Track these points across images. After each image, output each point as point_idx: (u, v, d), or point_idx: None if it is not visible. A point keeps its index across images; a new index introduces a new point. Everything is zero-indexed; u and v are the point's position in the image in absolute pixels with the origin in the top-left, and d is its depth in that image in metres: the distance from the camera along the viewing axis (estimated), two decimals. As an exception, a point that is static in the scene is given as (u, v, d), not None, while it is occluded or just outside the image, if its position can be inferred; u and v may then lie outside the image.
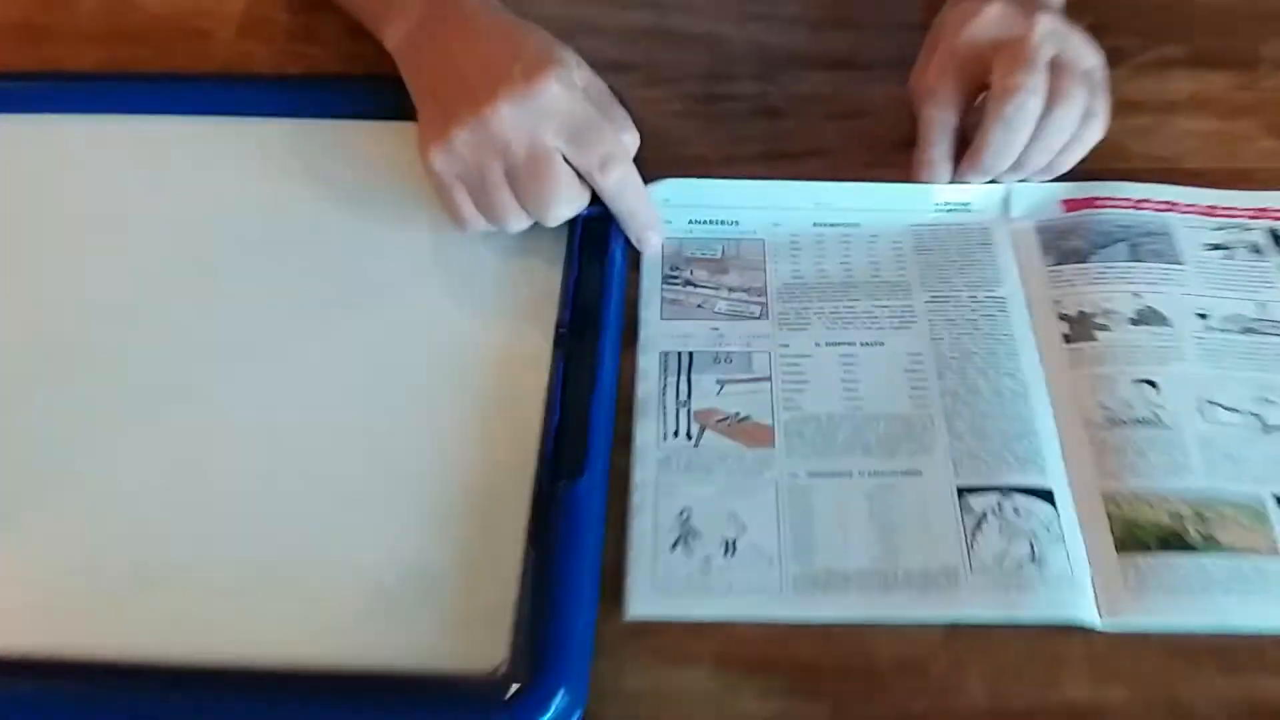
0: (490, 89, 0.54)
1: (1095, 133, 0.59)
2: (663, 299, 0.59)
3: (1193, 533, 0.48)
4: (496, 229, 0.57)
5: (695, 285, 0.60)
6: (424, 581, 0.48)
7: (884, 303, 0.58)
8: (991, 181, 0.62)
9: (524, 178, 0.55)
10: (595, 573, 0.48)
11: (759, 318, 0.58)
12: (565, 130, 0.55)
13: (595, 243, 0.60)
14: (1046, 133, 0.58)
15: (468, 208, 0.57)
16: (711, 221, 0.62)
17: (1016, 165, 0.60)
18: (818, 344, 0.57)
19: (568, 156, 0.55)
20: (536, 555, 0.48)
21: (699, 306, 0.59)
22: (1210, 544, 0.48)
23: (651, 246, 0.60)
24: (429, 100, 0.58)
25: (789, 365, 0.56)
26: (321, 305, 0.58)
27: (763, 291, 0.59)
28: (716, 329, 0.58)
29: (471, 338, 0.57)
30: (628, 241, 0.61)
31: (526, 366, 0.55)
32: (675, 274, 0.60)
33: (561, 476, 0.50)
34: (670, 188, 0.62)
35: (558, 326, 0.56)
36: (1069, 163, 0.60)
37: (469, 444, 0.53)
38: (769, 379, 0.55)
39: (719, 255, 0.61)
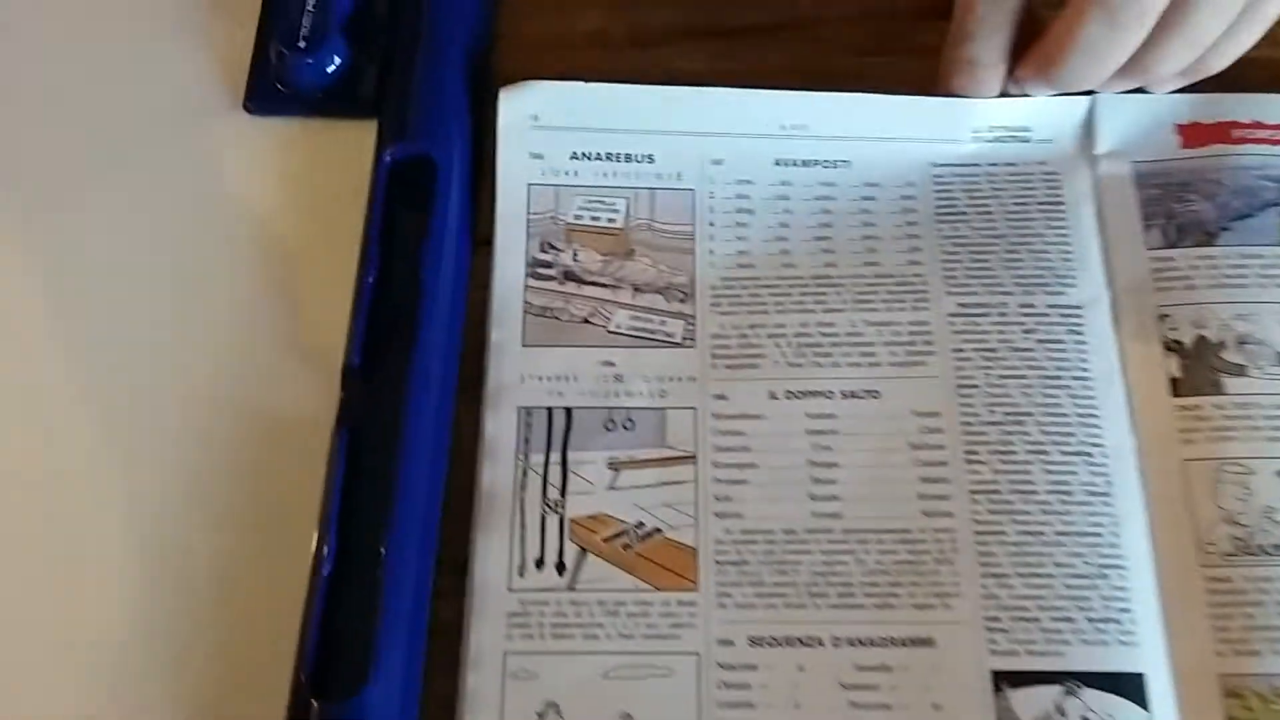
0: None
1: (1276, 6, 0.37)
2: (526, 309, 0.39)
3: (1369, 759, 0.32)
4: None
5: (580, 280, 0.40)
6: None
7: (883, 316, 0.38)
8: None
9: None
10: None
11: (682, 343, 0.38)
12: None
13: (410, 203, 0.39)
14: (1194, 17, 0.36)
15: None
16: (610, 156, 0.41)
17: (1130, 69, 0.38)
18: (774, 395, 0.37)
19: None
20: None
21: (586, 321, 0.39)
22: (1397, 781, 0.32)
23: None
24: None
25: (726, 434, 0.37)
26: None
27: (688, 292, 0.39)
28: (612, 365, 0.38)
29: (175, 388, 0.38)
30: (473, 195, 0.40)
31: (284, 455, 0.36)
32: (548, 259, 0.40)
33: (329, 689, 0.32)
34: (539, 95, 0.41)
35: (344, 370, 0.37)
36: (1223, 61, 0.38)
37: (172, 627, 0.35)
38: (693, 458, 0.37)
39: (619, 221, 0.40)
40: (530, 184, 0.40)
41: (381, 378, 0.36)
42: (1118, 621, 0.34)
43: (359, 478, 0.35)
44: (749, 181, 0.41)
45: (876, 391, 0.37)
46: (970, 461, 0.36)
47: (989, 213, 0.40)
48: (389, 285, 0.38)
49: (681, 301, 0.39)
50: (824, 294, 0.39)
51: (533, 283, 0.39)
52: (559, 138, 0.41)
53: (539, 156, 0.41)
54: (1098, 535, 0.35)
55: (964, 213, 0.40)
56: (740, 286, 0.39)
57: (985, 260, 0.39)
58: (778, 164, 0.41)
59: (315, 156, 0.41)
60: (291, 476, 0.36)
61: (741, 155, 0.41)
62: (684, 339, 0.38)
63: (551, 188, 0.40)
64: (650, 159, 0.41)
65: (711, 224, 0.40)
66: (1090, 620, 0.33)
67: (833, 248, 0.39)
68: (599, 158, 0.41)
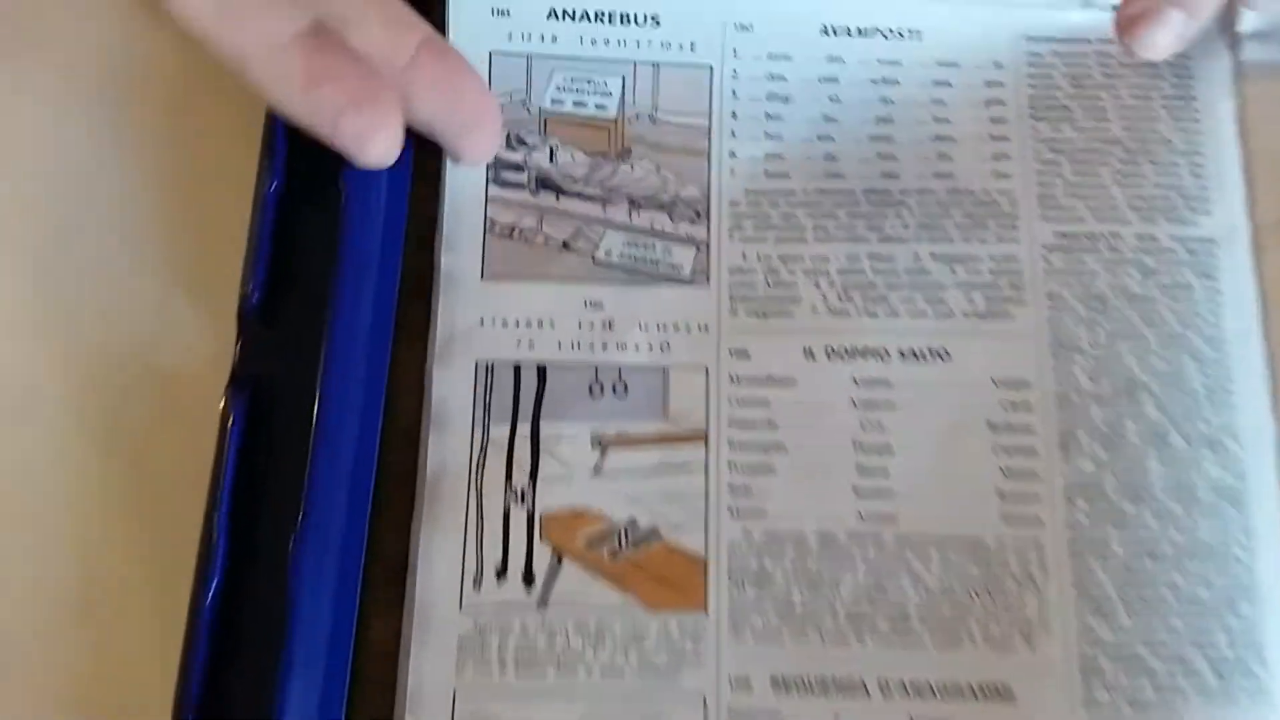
0: None
1: None
2: (487, 228, 0.30)
3: None
4: None
5: (559, 189, 0.30)
6: None
7: (957, 248, 0.30)
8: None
9: None
10: None
11: (691, 279, 0.30)
12: None
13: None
14: None
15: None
16: (600, 16, 0.32)
17: None
18: (810, 352, 0.29)
19: None
20: None
21: (565, 246, 0.30)
22: None
23: (478, 153, 0.29)
24: None
25: (748, 404, 0.29)
26: None
27: (702, 209, 0.30)
28: (600, 307, 0.29)
29: (29, 333, 0.29)
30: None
31: (167, 422, 0.28)
32: (516, 159, 0.31)
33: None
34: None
35: (240, 311, 0.28)
36: None
37: (22, 644, 0.27)
38: (704, 436, 0.29)
39: (612, 109, 0.31)
40: (492, 52, 0.31)
41: (290, 321, 0.28)
42: (1247, 666, 0.26)
43: (261, 455, 0.27)
44: (785, 57, 0.31)
45: (946, 351, 0.29)
46: (1066, 449, 0.28)
47: (1099, 108, 0.31)
48: (300, 195, 0.29)
49: (692, 222, 0.30)
50: (880, 215, 0.30)
51: (496, 191, 0.30)
52: (531, -9, 0.31)
53: (504, 14, 0.31)
54: (1226, 551, 0.27)
55: (1066, 107, 0.31)
56: (770, 203, 0.30)
57: (1094, 174, 0.30)
58: (825, 33, 0.32)
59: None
60: (177, 450, 0.28)
61: (777, 18, 0.32)
62: (694, 273, 0.30)
63: (521, 59, 0.31)
64: (654, 21, 0.31)
65: (734, 115, 0.31)
66: (1213, 665, 0.26)
67: (894, 152, 0.31)
68: (585, 18, 0.32)
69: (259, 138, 0.29)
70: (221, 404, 0.27)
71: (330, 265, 0.28)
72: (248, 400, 0.27)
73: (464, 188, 0.30)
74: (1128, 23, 0.30)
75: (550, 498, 0.28)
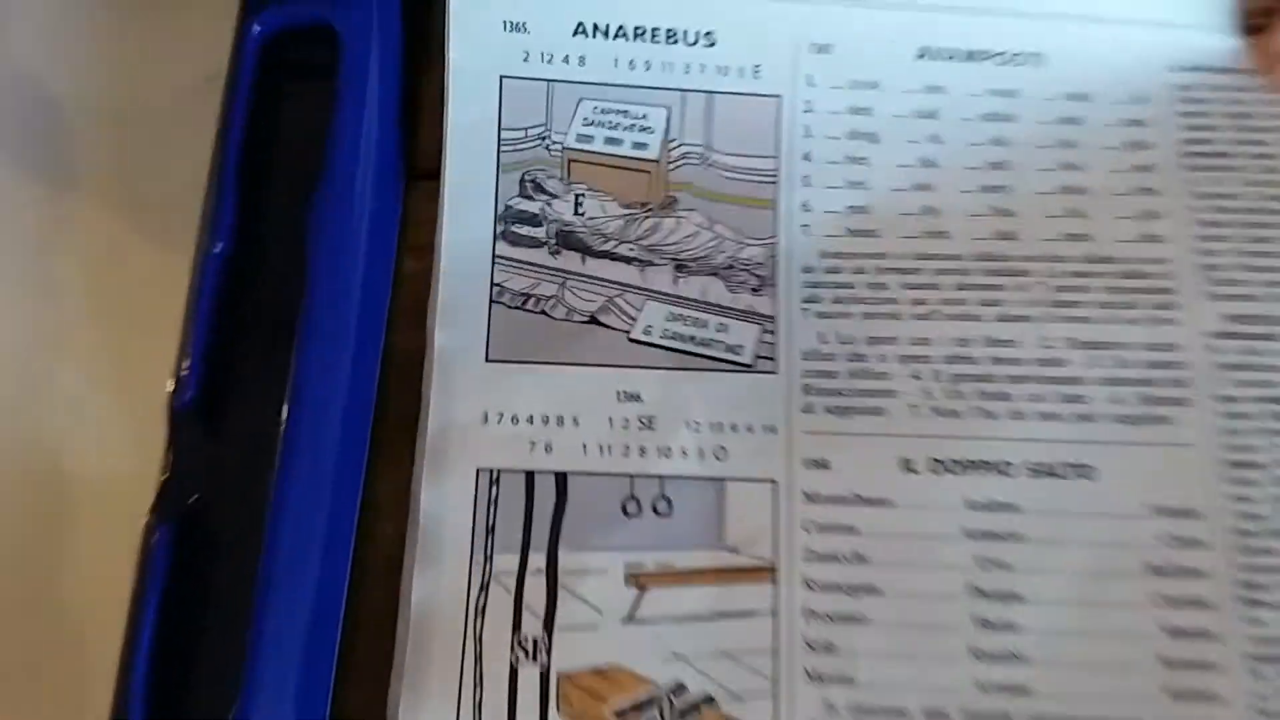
0: None
1: None
2: (494, 295, 0.24)
3: None
4: None
5: (586, 248, 0.24)
6: None
7: (1099, 331, 0.23)
8: None
9: None
10: None
11: (754, 365, 0.23)
12: None
13: (296, 110, 0.23)
14: None
15: None
16: (640, 33, 0.25)
17: None
18: (910, 464, 0.23)
19: None
20: None
21: (594, 321, 0.24)
22: None
23: None
24: None
25: (828, 529, 0.22)
26: None
27: (767, 275, 0.24)
28: (638, 399, 0.23)
29: None
30: (405, 97, 0.24)
31: (82, 535, 0.22)
32: (532, 210, 0.24)
33: None
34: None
35: (170, 412, 0.21)
36: None
37: None
38: (772, 571, 0.22)
39: (654, 148, 0.25)
40: (505, 77, 0.25)
41: (235, 424, 0.22)
42: None
43: (193, 598, 0.21)
44: (873, 85, 0.25)
45: (1089, 467, 0.22)
46: (1251, 603, 0.21)
47: (1268, 155, 0.25)
48: (252, 260, 0.22)
49: (754, 292, 0.24)
50: (996, 287, 0.23)
51: (507, 250, 0.24)
52: (552, 6, 0.25)
53: (519, 29, 0.25)
54: None
55: (1227, 154, 0.25)
56: (853, 269, 0.24)
57: (1267, 240, 0.24)
58: (923, 56, 0.25)
59: (159, 35, 0.25)
60: (85, 592, 0.22)
61: (863, 37, 0.25)
62: (757, 358, 0.23)
63: (541, 84, 0.25)
64: (709, 39, 0.25)
65: (808, 157, 0.25)
66: None
67: (1011, 206, 0.24)
68: (621, 34, 0.25)
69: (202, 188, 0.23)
70: (143, 530, 0.21)
71: (289, 346, 0.21)
72: (177, 526, 0.21)
73: (465, 244, 0.24)
74: (1274, 61, 0.24)
75: (571, 653, 0.21)
